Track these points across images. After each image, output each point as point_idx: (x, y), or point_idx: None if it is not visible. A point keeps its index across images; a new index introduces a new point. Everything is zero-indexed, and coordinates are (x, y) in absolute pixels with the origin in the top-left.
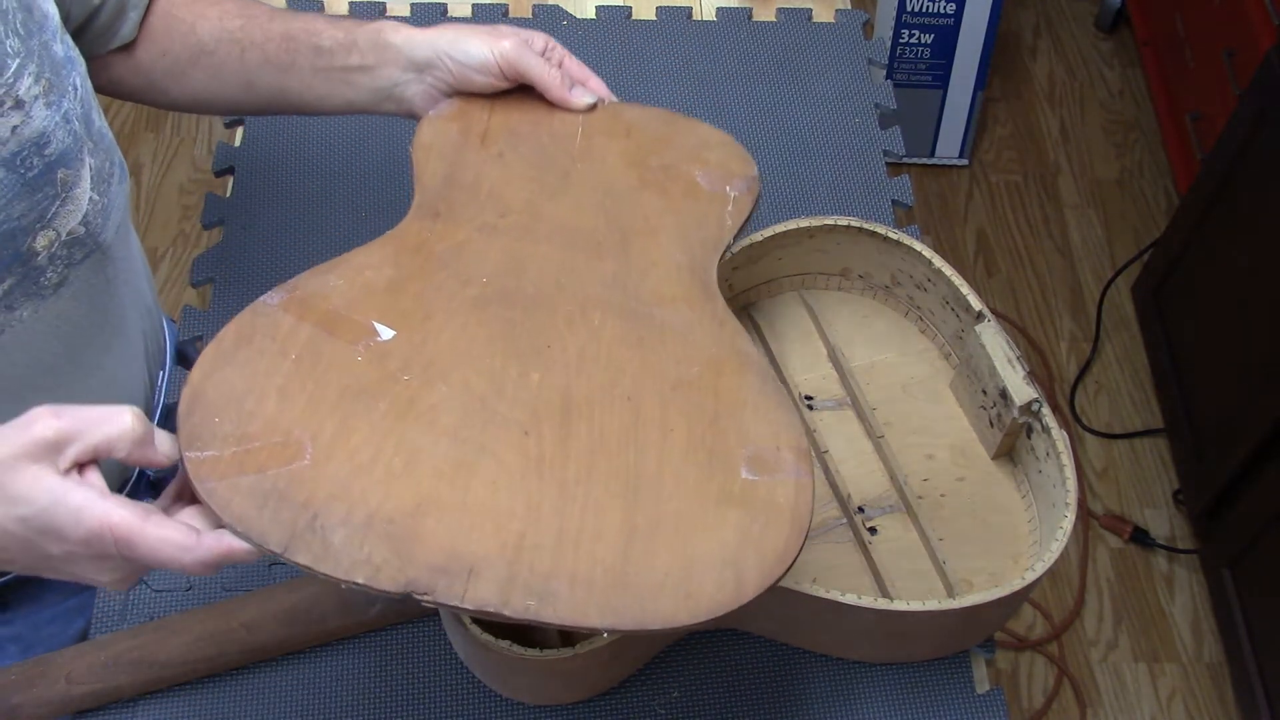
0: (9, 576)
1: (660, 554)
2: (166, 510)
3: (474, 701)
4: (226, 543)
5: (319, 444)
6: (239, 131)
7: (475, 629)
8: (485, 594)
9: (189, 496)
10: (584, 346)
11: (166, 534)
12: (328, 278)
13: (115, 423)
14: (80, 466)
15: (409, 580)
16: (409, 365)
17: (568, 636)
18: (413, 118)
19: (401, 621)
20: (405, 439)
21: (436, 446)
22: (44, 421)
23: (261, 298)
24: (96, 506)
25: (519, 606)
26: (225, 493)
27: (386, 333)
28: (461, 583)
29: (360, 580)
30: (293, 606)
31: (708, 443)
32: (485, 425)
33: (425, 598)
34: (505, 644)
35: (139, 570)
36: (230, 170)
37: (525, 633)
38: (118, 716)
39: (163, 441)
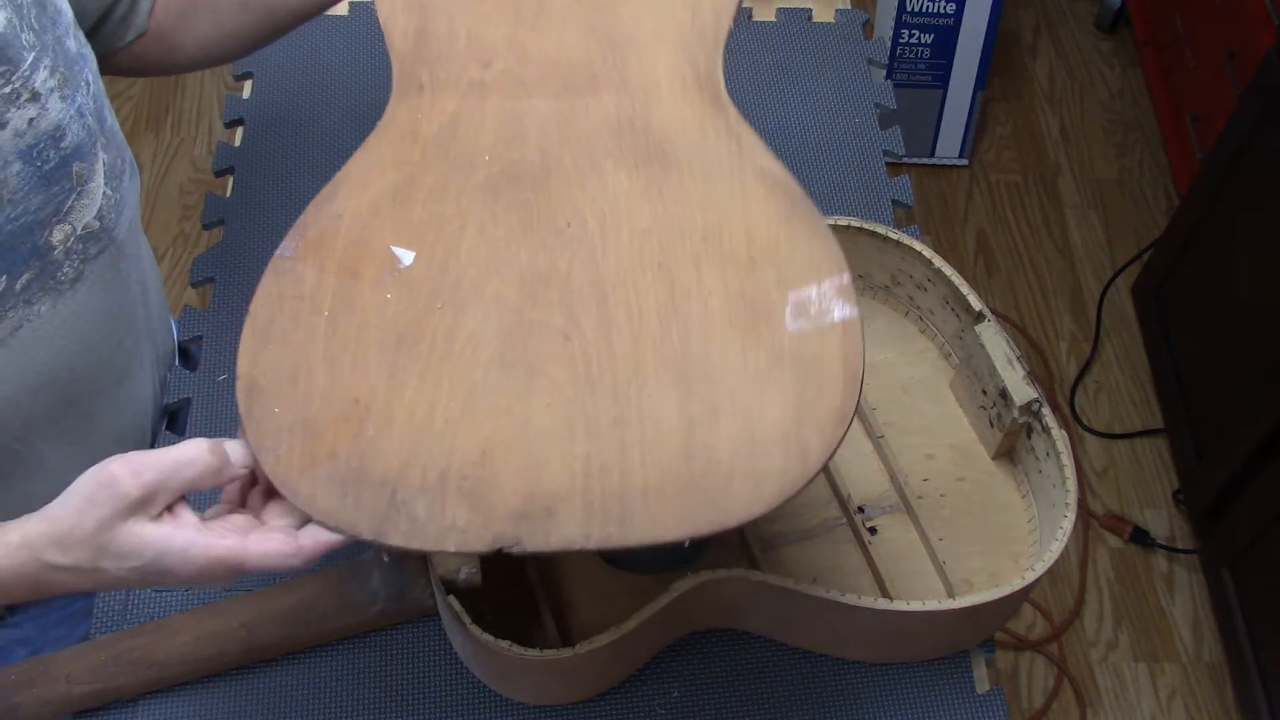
0: None
1: (722, 445)
2: (244, 500)
3: (474, 701)
4: (324, 540)
5: (376, 409)
6: (239, 132)
7: (475, 629)
8: (569, 532)
9: (265, 483)
10: (604, 215)
11: (269, 549)
12: (334, 204)
13: (194, 464)
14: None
15: (495, 536)
16: (437, 292)
17: (568, 636)
18: None
19: (401, 621)
20: (457, 379)
21: (486, 378)
22: (127, 481)
23: (278, 250)
24: (200, 544)
25: (600, 537)
26: (307, 489)
27: (407, 256)
28: (544, 527)
29: (452, 548)
30: (293, 606)
31: (747, 297)
32: (527, 340)
33: (515, 548)
34: (505, 644)
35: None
36: (230, 170)
37: (525, 633)
38: (118, 716)
39: (235, 453)
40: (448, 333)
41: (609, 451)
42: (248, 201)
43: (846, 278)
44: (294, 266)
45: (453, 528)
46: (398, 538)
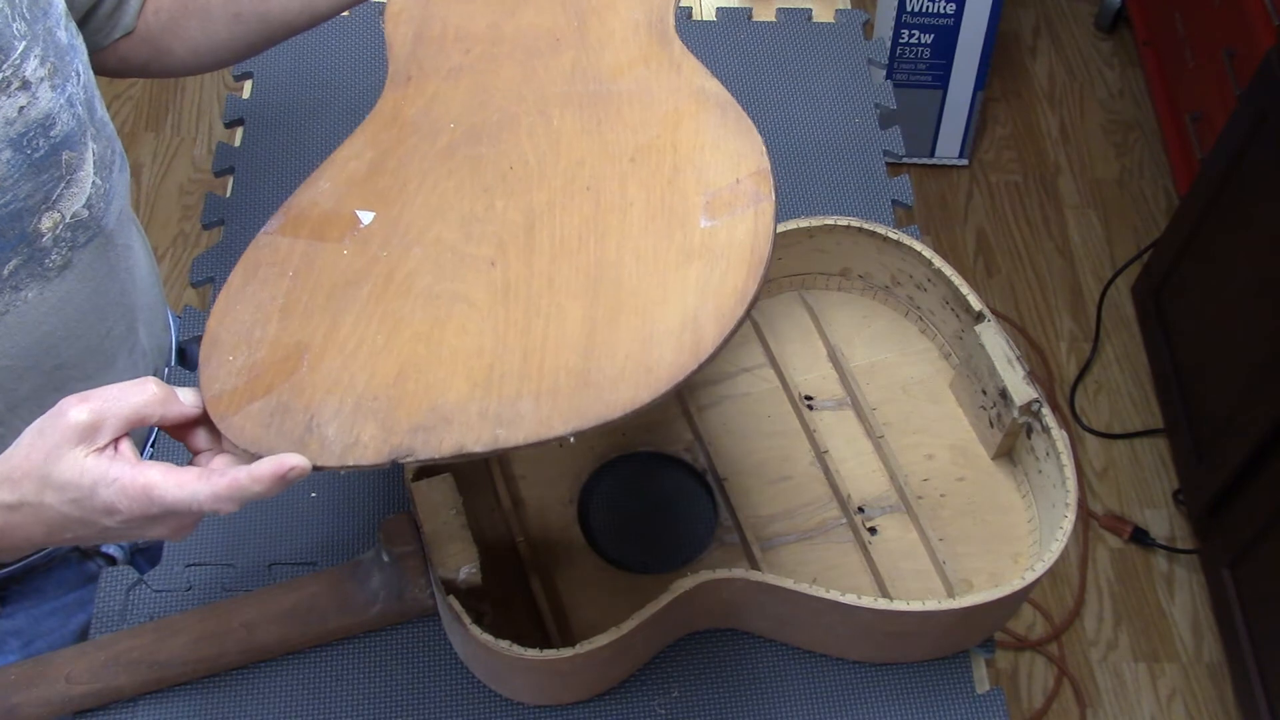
0: (9, 569)
1: (620, 341)
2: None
3: (474, 701)
4: (230, 473)
5: (314, 349)
6: (239, 131)
7: (475, 629)
8: (460, 438)
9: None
10: (544, 154)
11: (183, 478)
12: (318, 184)
13: (140, 394)
14: (114, 441)
15: (392, 449)
16: (387, 241)
17: (568, 636)
18: None
19: (401, 621)
20: (387, 313)
21: (415, 310)
22: (75, 409)
23: (263, 228)
24: (128, 474)
25: (489, 439)
26: (239, 421)
27: (367, 217)
28: (438, 435)
29: (350, 462)
30: (293, 606)
31: (666, 204)
32: (456, 271)
33: (408, 459)
34: (505, 644)
35: (185, 520)
36: (230, 170)
37: (525, 633)
38: (118, 716)
39: (187, 395)
40: (388, 274)
41: (511, 359)
42: (248, 201)
43: (764, 164)
44: (273, 240)
45: (356, 444)
46: (309, 457)
